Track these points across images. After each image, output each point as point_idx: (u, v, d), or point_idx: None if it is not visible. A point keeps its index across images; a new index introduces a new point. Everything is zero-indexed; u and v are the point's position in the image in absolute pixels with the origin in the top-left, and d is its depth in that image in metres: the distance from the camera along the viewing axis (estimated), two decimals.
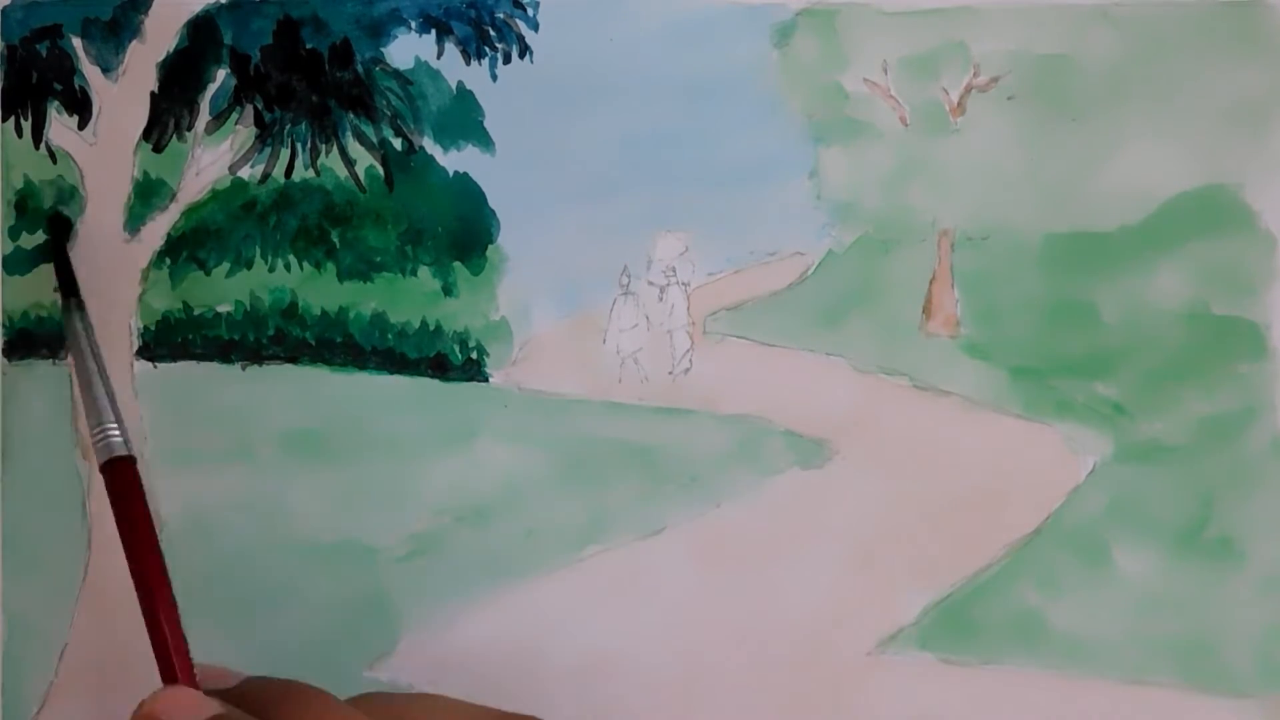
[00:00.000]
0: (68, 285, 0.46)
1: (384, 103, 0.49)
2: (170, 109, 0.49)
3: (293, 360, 0.49)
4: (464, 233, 0.49)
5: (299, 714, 0.35)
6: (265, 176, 0.49)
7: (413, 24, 0.49)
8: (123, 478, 0.40)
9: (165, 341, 0.49)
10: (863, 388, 0.49)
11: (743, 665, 0.48)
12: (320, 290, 0.49)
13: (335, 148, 0.49)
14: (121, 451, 0.41)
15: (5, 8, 0.49)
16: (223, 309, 0.49)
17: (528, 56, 0.49)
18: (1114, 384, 0.48)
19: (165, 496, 0.48)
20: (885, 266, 0.49)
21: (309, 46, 0.49)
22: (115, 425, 0.41)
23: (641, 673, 0.47)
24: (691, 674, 0.47)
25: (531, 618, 0.48)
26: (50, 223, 0.48)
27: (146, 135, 0.49)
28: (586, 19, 0.49)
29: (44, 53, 0.49)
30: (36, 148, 0.49)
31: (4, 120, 0.49)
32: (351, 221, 0.49)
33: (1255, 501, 0.47)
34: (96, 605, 0.48)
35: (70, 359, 0.47)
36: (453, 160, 0.49)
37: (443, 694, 0.41)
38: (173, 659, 0.38)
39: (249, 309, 0.49)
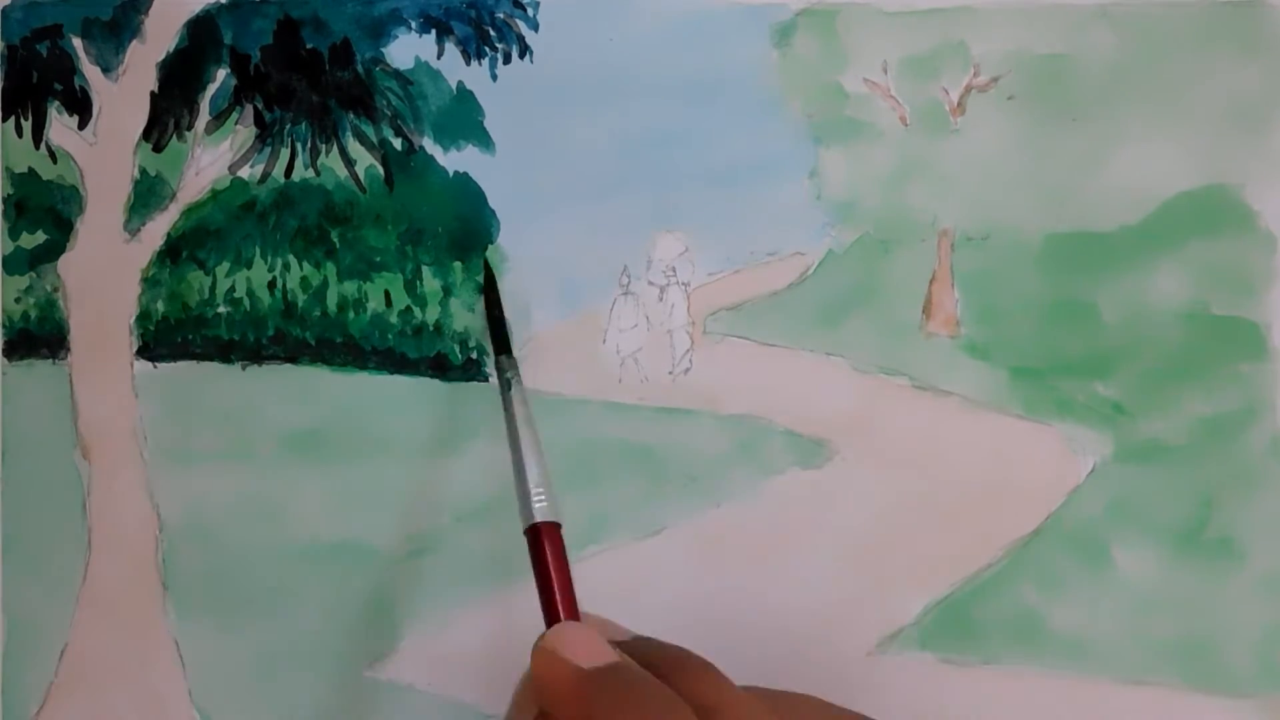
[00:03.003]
0: (501, 342, 0.45)
1: (384, 103, 0.49)
2: (170, 109, 0.49)
3: (293, 360, 0.49)
4: (464, 233, 0.49)
5: (693, 681, 0.34)
6: (265, 176, 0.49)
7: (413, 24, 0.49)
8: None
9: (165, 341, 0.49)
10: (863, 388, 0.48)
11: (743, 665, 0.47)
12: (320, 290, 0.49)
13: (335, 148, 0.49)
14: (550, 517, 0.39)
15: (5, 8, 0.49)
16: (223, 309, 0.49)
17: (528, 56, 0.49)
18: (1114, 384, 0.48)
19: (165, 496, 0.48)
20: (885, 266, 0.49)
21: (309, 46, 0.49)
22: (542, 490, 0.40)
23: None
24: None
25: (531, 618, 0.48)
26: (486, 272, 0.48)
27: (146, 135, 0.49)
28: (586, 19, 0.49)
29: (44, 53, 0.49)
30: (36, 148, 0.49)
31: (4, 120, 0.49)
32: (351, 221, 0.49)
33: (1255, 501, 0.47)
34: (96, 605, 0.48)
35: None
36: (453, 160, 0.49)
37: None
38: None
39: (249, 309, 0.49)
